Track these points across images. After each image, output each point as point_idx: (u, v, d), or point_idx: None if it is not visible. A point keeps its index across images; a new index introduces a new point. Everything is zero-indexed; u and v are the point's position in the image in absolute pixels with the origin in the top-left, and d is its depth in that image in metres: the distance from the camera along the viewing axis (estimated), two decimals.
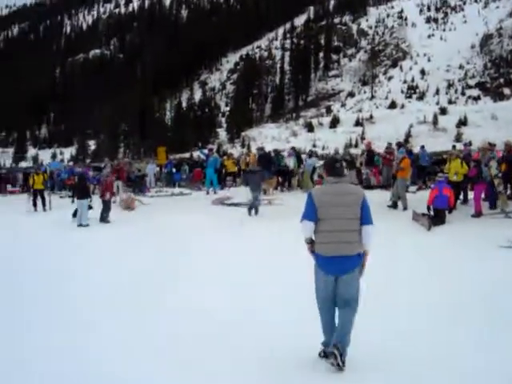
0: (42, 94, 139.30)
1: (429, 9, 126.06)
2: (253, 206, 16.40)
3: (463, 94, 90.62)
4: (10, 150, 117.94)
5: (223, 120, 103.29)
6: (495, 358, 5.55)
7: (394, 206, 16.10)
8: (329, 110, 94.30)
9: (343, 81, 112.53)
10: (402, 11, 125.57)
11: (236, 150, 61.69)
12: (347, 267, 5.27)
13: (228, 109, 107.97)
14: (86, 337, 6.51)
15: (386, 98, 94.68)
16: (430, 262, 9.83)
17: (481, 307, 7.12)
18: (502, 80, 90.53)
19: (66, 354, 5.96)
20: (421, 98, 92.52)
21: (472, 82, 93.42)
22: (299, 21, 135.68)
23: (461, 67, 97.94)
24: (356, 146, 63.64)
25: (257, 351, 5.86)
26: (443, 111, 69.60)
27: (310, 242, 5.44)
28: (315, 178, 21.84)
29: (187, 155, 50.84)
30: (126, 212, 19.11)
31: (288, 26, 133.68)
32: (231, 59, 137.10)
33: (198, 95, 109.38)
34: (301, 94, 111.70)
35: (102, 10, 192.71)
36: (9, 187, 33.23)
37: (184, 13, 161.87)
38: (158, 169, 31.68)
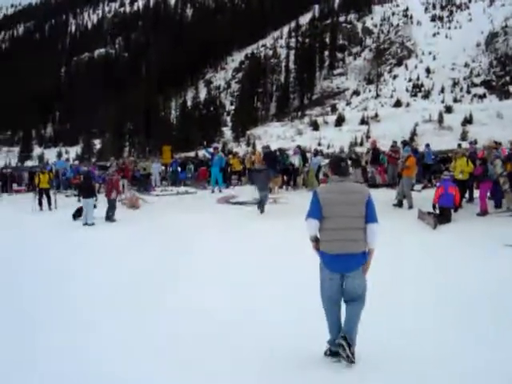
0: (48, 93, 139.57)
1: (434, 7, 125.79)
2: (262, 204, 16.43)
3: (468, 92, 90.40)
4: (16, 149, 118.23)
5: (228, 119, 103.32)
6: (501, 356, 5.52)
7: (400, 204, 16.07)
8: (334, 109, 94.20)
9: (348, 79, 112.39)
10: (407, 9, 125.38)
11: (241, 149, 61.73)
12: (352, 265, 5.28)
13: (233, 107, 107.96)
14: (86, 337, 6.50)
15: (391, 96, 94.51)
16: (435, 261, 9.80)
17: (487, 306, 7.10)
18: (507, 78, 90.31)
19: (66, 354, 5.95)
20: (426, 96, 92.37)
21: (477, 81, 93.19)
22: (304, 19, 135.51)
23: (466, 65, 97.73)
24: (361, 144, 63.58)
25: (257, 351, 5.84)
26: (448, 109, 69.44)
27: (315, 240, 5.46)
28: (320, 176, 21.83)
29: (192, 154, 50.90)
30: (131, 211, 19.13)
31: (293, 24, 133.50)
32: (236, 58, 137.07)
33: (203, 94, 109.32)
34: (306, 92, 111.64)
35: (106, 8, 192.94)
36: (15, 186, 33.31)
37: (189, 12, 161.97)
38: (163, 168, 31.69)
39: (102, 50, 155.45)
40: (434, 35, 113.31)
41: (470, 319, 6.65)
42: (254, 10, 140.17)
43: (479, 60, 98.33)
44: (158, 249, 11.74)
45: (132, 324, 6.93)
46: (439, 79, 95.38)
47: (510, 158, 15.28)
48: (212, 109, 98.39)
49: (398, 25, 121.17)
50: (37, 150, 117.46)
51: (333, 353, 5.42)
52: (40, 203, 21.01)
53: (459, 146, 24.80)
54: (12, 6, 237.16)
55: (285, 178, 22.85)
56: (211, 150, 25.47)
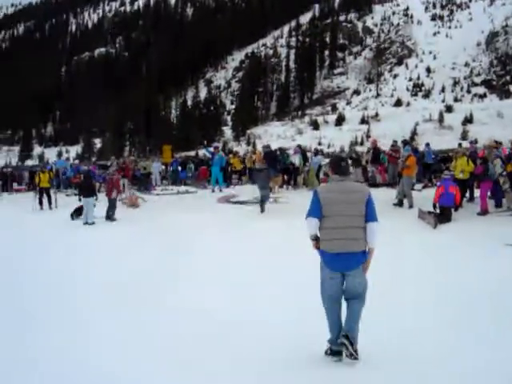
0: (48, 92, 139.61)
1: (434, 6, 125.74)
2: (262, 203, 16.49)
3: (469, 91, 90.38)
4: (16, 149, 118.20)
5: (228, 118, 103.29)
6: (501, 356, 5.52)
7: (400, 204, 16.07)
8: (334, 108, 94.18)
9: (348, 79, 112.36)
10: (407, 9, 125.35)
11: (241, 148, 61.71)
12: (353, 264, 5.31)
13: (233, 107, 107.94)
14: (86, 337, 6.51)
15: (392, 95, 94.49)
16: (435, 260, 9.80)
17: (487, 305, 7.10)
18: (508, 77, 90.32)
19: (66, 354, 5.96)
20: (426, 95, 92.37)
21: (478, 80, 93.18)
22: (304, 18, 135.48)
23: (466, 65, 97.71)
24: (361, 143, 63.55)
25: (257, 351, 5.84)
26: (449, 109, 69.40)
27: (315, 239, 5.48)
28: (321, 176, 21.84)
29: (193, 153, 50.86)
30: (132, 210, 19.15)
31: (293, 23, 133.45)
32: (236, 57, 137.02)
33: (203, 93, 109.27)
34: (306, 91, 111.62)
35: (107, 8, 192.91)
36: (15, 185, 33.33)
37: (189, 11, 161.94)
38: (163, 167, 31.71)
39: (103, 50, 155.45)
40: (435, 34, 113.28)
41: (471, 319, 6.65)
42: (254, 9, 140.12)
43: (480, 59, 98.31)
44: (158, 248, 11.74)
45: (132, 324, 6.94)
46: (440, 78, 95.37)
47: (511, 157, 15.28)
48: (212, 108, 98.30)
49: (398, 24, 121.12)
50: (37, 150, 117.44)
51: (333, 352, 5.44)
52: (40, 202, 21.03)
53: (460, 145, 24.82)
54: (12, 5, 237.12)
55: (285, 177, 22.85)
56: (212, 149, 25.48)
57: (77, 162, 40.89)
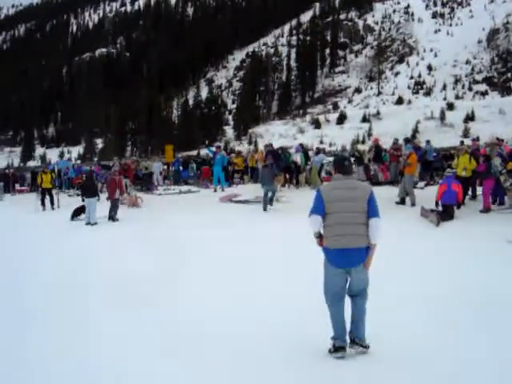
0: (49, 93, 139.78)
1: (435, 4, 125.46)
2: (271, 199, 16.73)
3: (470, 89, 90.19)
4: (18, 150, 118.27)
5: (230, 117, 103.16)
6: (503, 355, 5.54)
7: (402, 202, 16.07)
8: (336, 107, 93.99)
9: (350, 77, 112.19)
10: (408, 6, 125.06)
11: (243, 148, 61.59)
12: (357, 260, 5.38)
13: (235, 106, 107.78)
14: (86, 337, 6.53)
15: (393, 93, 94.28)
16: (438, 258, 9.80)
17: (489, 302, 7.10)
18: (509, 74, 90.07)
19: (66, 354, 5.98)
20: (428, 93, 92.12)
21: (479, 77, 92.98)
22: (305, 17, 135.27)
23: (468, 62, 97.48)
24: (363, 142, 63.42)
25: (257, 351, 5.85)
26: (450, 107, 69.22)
27: (319, 237, 5.54)
28: (323, 174, 21.82)
29: (194, 153, 50.86)
30: (134, 210, 19.18)
31: (294, 22, 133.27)
32: (237, 56, 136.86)
33: (204, 93, 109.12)
34: (307, 90, 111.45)
35: (107, 8, 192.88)
36: (17, 186, 33.41)
37: (190, 10, 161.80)
38: (165, 167, 31.76)
39: (104, 50, 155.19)
40: (436, 32, 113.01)
41: (473, 316, 6.66)
42: (254, 8, 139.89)
43: (481, 57, 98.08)
44: (159, 248, 11.77)
45: (132, 324, 6.97)
46: (441, 76, 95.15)
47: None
48: (214, 108, 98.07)
49: (399, 22, 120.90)
50: (39, 150, 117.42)
51: (337, 348, 5.48)
52: (43, 203, 21.08)
53: (462, 143, 24.79)
54: (13, 6, 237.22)
55: (287, 176, 22.84)
56: (214, 148, 25.51)
57: (79, 162, 40.97)
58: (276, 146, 25.51)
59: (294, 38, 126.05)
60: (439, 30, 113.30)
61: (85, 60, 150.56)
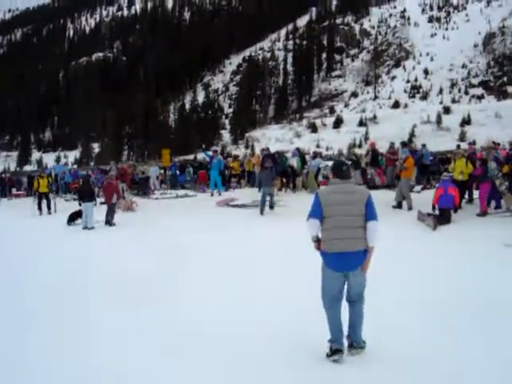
0: (46, 97, 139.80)
1: (431, 8, 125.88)
2: (271, 203, 16.91)
3: (466, 93, 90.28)
4: (15, 154, 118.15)
5: (227, 122, 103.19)
6: (501, 356, 5.56)
7: (399, 206, 16.09)
8: (332, 111, 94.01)
9: (346, 81, 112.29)
10: (404, 11, 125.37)
11: (240, 152, 61.60)
12: (354, 263, 5.40)
13: (231, 110, 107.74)
14: (86, 337, 6.54)
15: (390, 97, 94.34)
16: (435, 262, 9.82)
17: (487, 306, 7.11)
18: (505, 78, 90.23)
19: (66, 354, 5.99)
20: (424, 97, 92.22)
21: (475, 81, 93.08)
22: (301, 22, 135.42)
23: (464, 66, 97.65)
24: (360, 146, 63.53)
25: (257, 351, 5.87)
26: (447, 110, 69.33)
27: (317, 241, 5.55)
28: (320, 178, 21.85)
29: (191, 157, 50.83)
30: (129, 214, 19.18)
31: (290, 27, 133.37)
32: (234, 61, 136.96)
33: (201, 97, 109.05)
34: (304, 94, 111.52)
35: (104, 13, 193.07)
36: (14, 191, 33.39)
37: (186, 15, 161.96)
38: (162, 171, 31.77)
39: (100, 54, 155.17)
40: (432, 36, 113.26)
41: (470, 319, 6.67)
42: (251, 12, 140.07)
43: (477, 61, 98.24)
44: (158, 250, 11.80)
45: (132, 324, 6.98)
46: (437, 80, 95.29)
47: (510, 159, 15.34)
48: (210, 112, 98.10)
49: (395, 26, 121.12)
50: (35, 155, 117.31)
51: (334, 351, 5.49)
52: (39, 207, 21.06)
53: (458, 146, 24.82)
54: (10, 10, 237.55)
55: (284, 180, 22.85)
56: (210, 153, 25.52)
57: (75, 166, 40.95)
58: (273, 150, 25.48)
59: (291, 42, 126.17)
60: (435, 34, 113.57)
61: (81, 64, 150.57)
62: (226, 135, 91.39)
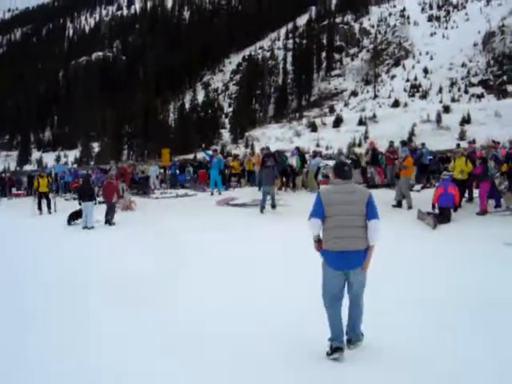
0: (46, 97, 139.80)
1: (431, 7, 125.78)
2: (273, 202, 16.85)
3: (466, 92, 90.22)
4: (15, 154, 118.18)
5: (226, 121, 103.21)
6: (500, 356, 5.56)
7: (399, 205, 16.09)
8: (332, 110, 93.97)
9: (346, 80, 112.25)
10: (404, 10, 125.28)
11: (240, 151, 61.56)
12: (355, 262, 5.43)
13: (231, 110, 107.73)
14: (86, 337, 6.55)
15: (389, 96, 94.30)
16: (435, 260, 9.82)
17: (486, 304, 7.12)
18: (505, 77, 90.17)
19: (66, 354, 6.00)
20: (424, 96, 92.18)
21: (475, 80, 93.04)
22: (301, 21, 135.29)
23: (463, 65, 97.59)
24: (359, 145, 63.53)
25: (257, 351, 5.87)
26: (446, 109, 69.29)
27: (318, 240, 5.57)
28: (319, 178, 21.84)
29: (191, 156, 50.80)
30: (130, 214, 19.20)
31: (290, 26, 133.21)
32: (234, 60, 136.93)
33: (200, 96, 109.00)
34: (304, 93, 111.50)
35: (104, 12, 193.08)
36: (14, 190, 33.39)
37: (186, 14, 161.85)
38: (161, 170, 31.76)
39: (100, 54, 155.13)
40: (431, 35, 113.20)
41: (470, 318, 6.67)
42: (250, 12, 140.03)
43: (476, 60, 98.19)
44: (158, 250, 11.80)
45: (132, 324, 6.98)
46: (437, 79, 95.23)
47: (510, 157, 15.34)
48: (210, 111, 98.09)
49: (395, 25, 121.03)
50: (35, 154, 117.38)
51: (334, 349, 5.51)
52: (39, 207, 21.06)
53: (458, 145, 24.83)
54: (9, 10, 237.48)
55: (284, 179, 22.84)
56: (210, 152, 25.51)
57: (75, 166, 40.93)
58: (272, 149, 25.44)
59: (290, 41, 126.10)
60: (435, 33, 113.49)
61: (81, 64, 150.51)
62: (225, 134, 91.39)
